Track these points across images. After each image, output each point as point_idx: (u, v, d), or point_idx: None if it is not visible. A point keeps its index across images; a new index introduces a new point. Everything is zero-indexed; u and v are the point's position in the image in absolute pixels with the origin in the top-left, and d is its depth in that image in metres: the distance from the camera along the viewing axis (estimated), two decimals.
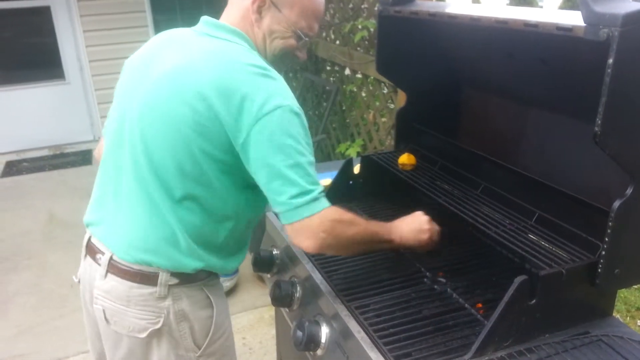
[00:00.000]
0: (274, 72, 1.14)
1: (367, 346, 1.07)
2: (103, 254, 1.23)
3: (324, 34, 4.09)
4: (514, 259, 1.25)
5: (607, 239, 1.05)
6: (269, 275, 1.63)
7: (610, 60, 0.90)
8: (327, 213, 1.11)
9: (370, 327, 1.10)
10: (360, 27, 3.32)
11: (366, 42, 3.37)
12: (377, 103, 3.34)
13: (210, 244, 1.22)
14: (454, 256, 1.39)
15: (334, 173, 1.73)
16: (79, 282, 1.34)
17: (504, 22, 1.13)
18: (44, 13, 5.28)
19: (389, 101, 3.23)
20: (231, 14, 1.24)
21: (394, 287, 1.27)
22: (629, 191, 1.02)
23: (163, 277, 1.19)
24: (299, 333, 1.21)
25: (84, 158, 5.40)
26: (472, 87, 1.64)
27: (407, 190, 1.61)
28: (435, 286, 1.26)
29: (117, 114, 1.26)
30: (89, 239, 1.29)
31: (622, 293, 3.07)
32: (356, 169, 1.78)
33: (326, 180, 1.74)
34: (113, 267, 1.21)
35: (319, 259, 1.38)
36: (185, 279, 1.22)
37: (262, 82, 1.10)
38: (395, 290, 1.26)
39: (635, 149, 0.99)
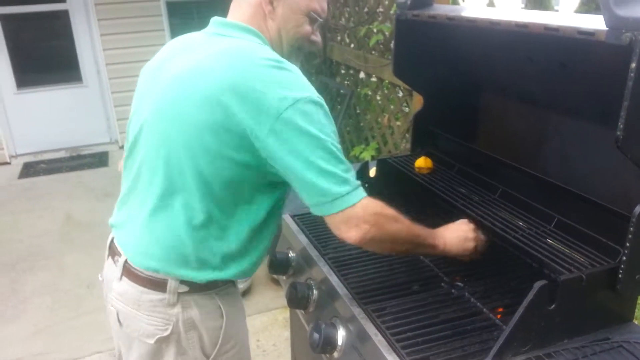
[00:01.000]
0: (288, 64, 1.12)
1: (385, 349, 1.07)
2: (120, 256, 1.24)
3: (338, 38, 4.10)
4: (533, 264, 1.24)
5: (627, 244, 1.04)
6: (284, 278, 1.63)
7: (633, 65, 0.89)
8: (369, 204, 1.08)
9: (388, 331, 1.10)
10: (375, 30, 3.33)
11: (381, 46, 3.37)
12: (392, 106, 3.34)
13: (223, 253, 1.18)
14: (472, 260, 1.38)
15: None
16: (103, 280, 1.35)
17: (524, 26, 1.13)
18: (62, 17, 5.36)
19: (404, 104, 3.23)
20: (241, 12, 1.23)
21: (411, 290, 1.27)
22: None
23: (172, 284, 1.18)
24: (316, 335, 1.21)
25: (100, 160, 5.47)
26: (490, 90, 1.63)
27: (424, 194, 1.61)
28: (453, 290, 1.25)
29: (133, 122, 1.26)
30: (112, 240, 1.30)
31: None
32: (372, 172, 1.78)
33: None
34: (127, 271, 1.22)
35: (335, 261, 1.38)
36: (195, 287, 1.20)
37: (277, 74, 1.08)
38: (412, 293, 1.25)
39: None
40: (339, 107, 4.01)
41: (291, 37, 1.23)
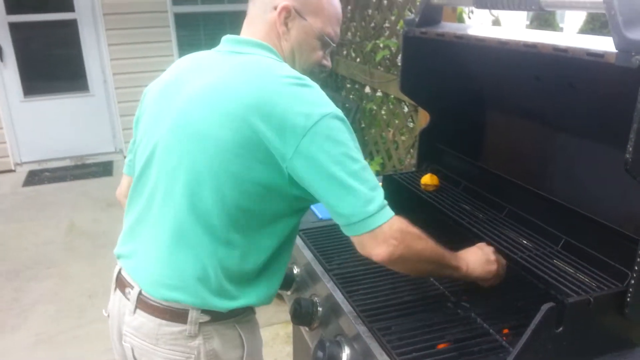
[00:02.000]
0: (309, 80, 1.10)
1: None
2: (132, 288, 1.17)
3: (344, 52, 4.12)
4: (540, 284, 1.23)
5: (636, 268, 1.03)
6: (288, 293, 1.62)
7: None
8: (395, 222, 1.06)
9: (394, 350, 1.09)
10: (381, 45, 3.35)
11: (387, 61, 3.38)
12: (397, 121, 3.34)
13: (245, 279, 1.15)
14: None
15: None
16: (108, 316, 1.28)
17: (532, 46, 1.13)
18: (70, 26, 5.40)
19: (409, 120, 3.23)
20: (255, 29, 1.21)
21: (417, 309, 1.25)
22: None
23: (193, 314, 1.12)
24: (320, 353, 1.20)
25: (105, 169, 5.48)
26: (498, 108, 1.63)
27: (429, 211, 1.60)
28: (459, 310, 1.24)
29: (144, 144, 1.21)
30: (119, 272, 1.23)
31: None
32: None
33: None
34: (142, 303, 1.15)
35: (340, 277, 1.37)
36: (217, 316, 1.15)
37: (300, 92, 1.06)
38: (418, 312, 1.24)
39: None
40: None
41: (304, 60, 1.23)
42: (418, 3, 1.93)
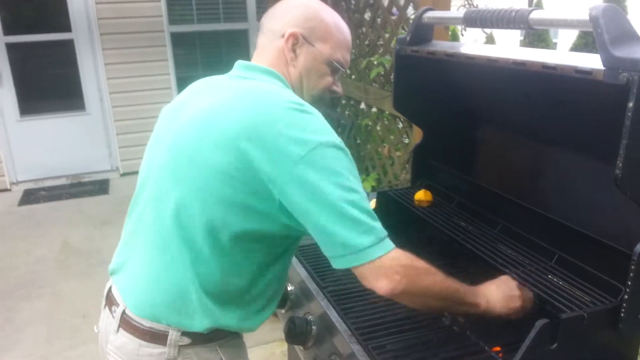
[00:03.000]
0: (309, 107, 1.08)
1: None
2: (118, 306, 1.18)
3: None
4: (534, 300, 1.22)
5: (629, 283, 1.03)
6: (283, 311, 1.61)
7: (631, 104, 0.90)
8: (397, 255, 1.02)
9: None
10: (376, 63, 3.37)
11: (382, 78, 3.41)
12: (392, 137, 3.36)
13: (228, 299, 1.13)
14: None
15: None
16: (98, 332, 1.28)
17: (521, 64, 1.15)
18: (67, 45, 5.44)
19: (404, 136, 3.25)
20: (265, 56, 1.22)
21: (412, 326, 1.25)
22: None
23: (173, 336, 1.12)
24: None
25: (101, 187, 5.47)
26: (490, 125, 1.65)
27: (423, 227, 1.61)
28: (455, 327, 1.24)
29: (145, 162, 1.23)
30: (110, 289, 1.24)
31: None
32: (372, 204, 1.78)
33: None
34: (125, 322, 1.15)
35: (335, 295, 1.36)
36: (198, 339, 1.14)
37: (298, 117, 1.03)
38: (413, 330, 1.23)
39: None
40: (339, 137, 4.03)
41: (312, 86, 1.23)
42: (411, 21, 1.96)
